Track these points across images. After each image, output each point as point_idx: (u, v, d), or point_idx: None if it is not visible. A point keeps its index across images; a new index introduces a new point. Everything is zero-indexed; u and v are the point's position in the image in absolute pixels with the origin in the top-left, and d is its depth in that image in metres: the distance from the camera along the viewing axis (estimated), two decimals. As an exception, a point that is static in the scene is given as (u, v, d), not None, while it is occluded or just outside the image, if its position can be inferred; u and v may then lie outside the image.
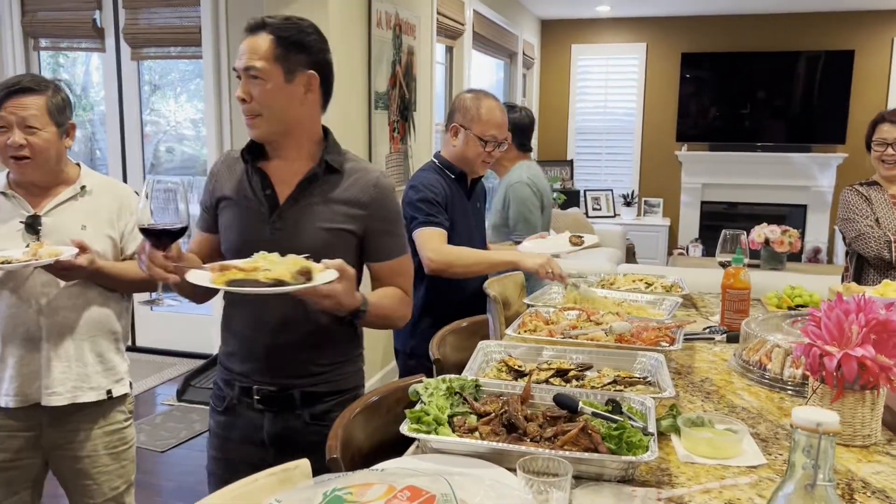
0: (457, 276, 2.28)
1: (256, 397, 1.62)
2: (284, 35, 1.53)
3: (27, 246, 1.81)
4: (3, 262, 1.70)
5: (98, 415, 1.96)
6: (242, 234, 1.61)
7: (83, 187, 1.93)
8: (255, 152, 1.63)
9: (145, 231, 1.45)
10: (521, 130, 3.05)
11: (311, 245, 1.53)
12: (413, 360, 2.39)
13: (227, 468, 1.68)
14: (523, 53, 7.50)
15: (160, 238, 1.44)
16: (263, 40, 1.52)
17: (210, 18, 4.44)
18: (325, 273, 1.41)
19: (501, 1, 6.64)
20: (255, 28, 1.54)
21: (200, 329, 4.87)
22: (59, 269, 1.77)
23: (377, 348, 4.24)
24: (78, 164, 1.98)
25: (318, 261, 1.43)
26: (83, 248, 1.79)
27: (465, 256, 2.29)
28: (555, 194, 7.77)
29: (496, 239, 2.98)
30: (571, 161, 8.40)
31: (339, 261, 1.43)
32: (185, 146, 7.65)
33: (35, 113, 1.80)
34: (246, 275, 1.38)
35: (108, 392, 1.97)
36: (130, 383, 2.06)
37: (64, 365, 1.89)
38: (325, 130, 1.67)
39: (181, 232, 1.46)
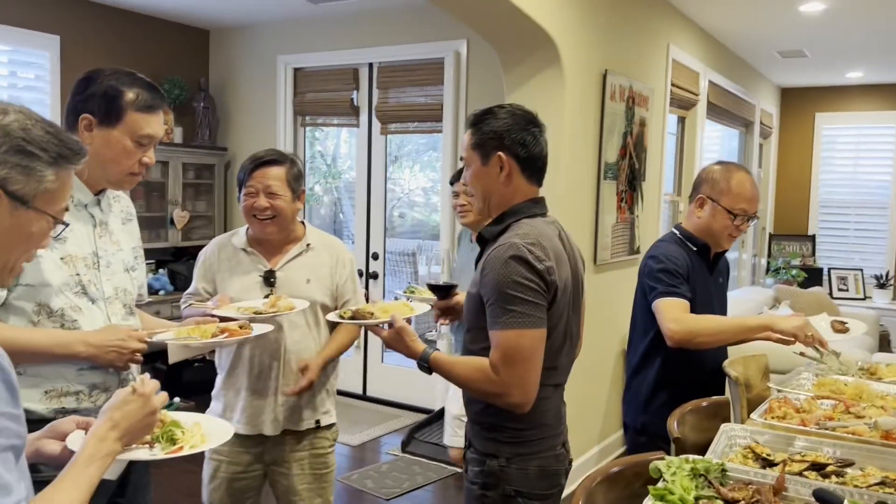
0: (702, 346, 2.17)
1: None
2: (478, 124, 1.74)
3: (266, 297, 2.11)
4: (255, 313, 1.98)
5: (308, 440, 2.24)
6: None
7: (308, 245, 2.23)
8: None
9: (433, 287, 1.93)
10: None
11: (466, 303, 1.76)
12: (644, 436, 2.30)
13: None
14: (760, 122, 7.15)
15: (444, 291, 1.94)
16: (468, 133, 1.77)
17: (452, 96, 4.80)
18: (379, 318, 1.84)
19: (738, 70, 6.42)
20: (466, 125, 1.80)
21: (426, 384, 5.10)
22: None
23: (595, 419, 4.15)
24: (303, 223, 2.28)
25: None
26: (305, 371, 2.14)
27: (710, 324, 2.17)
28: (794, 271, 7.19)
29: None
30: (813, 236, 7.74)
31: (395, 314, 1.77)
32: (415, 212, 8.21)
33: (277, 182, 2.13)
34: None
35: (317, 422, 2.24)
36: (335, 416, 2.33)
37: (284, 399, 2.16)
38: (520, 203, 1.75)
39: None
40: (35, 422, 1.57)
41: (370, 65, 5.21)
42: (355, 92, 5.29)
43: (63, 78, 4.84)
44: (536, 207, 1.77)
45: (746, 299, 5.51)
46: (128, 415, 1.17)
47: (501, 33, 3.55)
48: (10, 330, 1.55)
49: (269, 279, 2.16)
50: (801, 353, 2.42)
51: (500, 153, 1.71)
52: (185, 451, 1.28)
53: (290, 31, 5.46)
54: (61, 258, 1.61)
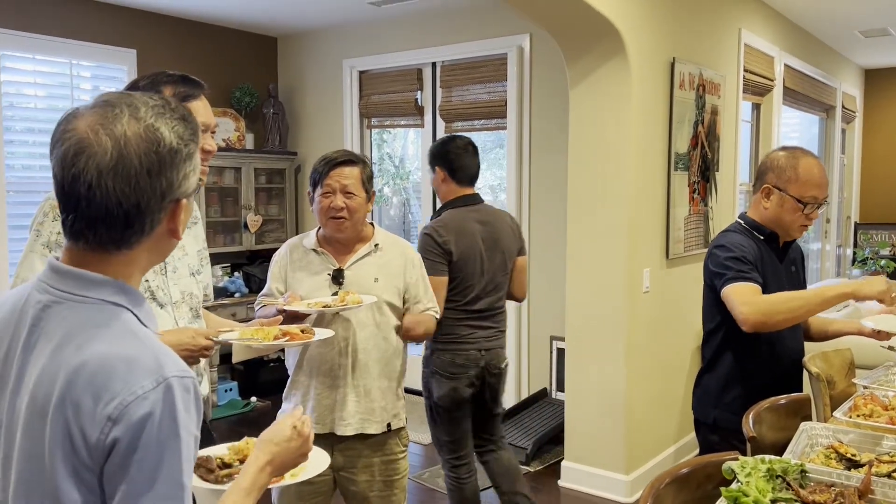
0: (781, 325, 2.03)
1: None
2: (430, 149, 2.91)
3: (335, 293, 2.13)
4: (324, 307, 2.01)
5: (378, 445, 2.21)
6: None
7: (376, 245, 2.23)
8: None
9: None
10: None
11: None
12: (716, 434, 2.21)
13: None
14: (843, 107, 6.82)
15: None
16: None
17: (515, 92, 4.75)
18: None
19: (817, 52, 6.14)
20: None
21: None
22: None
23: (670, 417, 4.04)
24: (371, 224, 2.29)
25: None
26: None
27: (784, 300, 2.02)
28: (883, 261, 6.84)
29: None
30: (903, 224, 7.34)
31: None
32: (483, 210, 8.16)
33: (353, 182, 2.14)
34: None
35: (388, 425, 2.21)
36: (406, 419, 2.30)
37: (355, 399, 2.15)
38: (453, 199, 2.88)
39: None
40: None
41: (433, 64, 5.22)
42: (419, 92, 5.31)
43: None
44: (461, 201, 2.84)
45: (831, 292, 5.24)
46: (286, 451, 1.20)
47: (564, 25, 3.50)
48: None
49: (337, 278, 2.18)
50: (890, 348, 2.28)
51: (437, 167, 2.86)
52: (286, 482, 1.28)
53: (354, 35, 5.53)
54: None
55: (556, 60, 4.38)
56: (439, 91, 5.20)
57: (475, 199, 2.88)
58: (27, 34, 4.53)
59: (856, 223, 7.49)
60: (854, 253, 7.29)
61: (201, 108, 1.70)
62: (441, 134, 5.28)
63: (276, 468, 1.18)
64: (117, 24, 4.96)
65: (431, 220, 2.86)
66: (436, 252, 2.70)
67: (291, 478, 1.28)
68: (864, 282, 2.01)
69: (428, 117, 5.32)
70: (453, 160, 2.82)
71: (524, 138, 4.77)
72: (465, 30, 4.96)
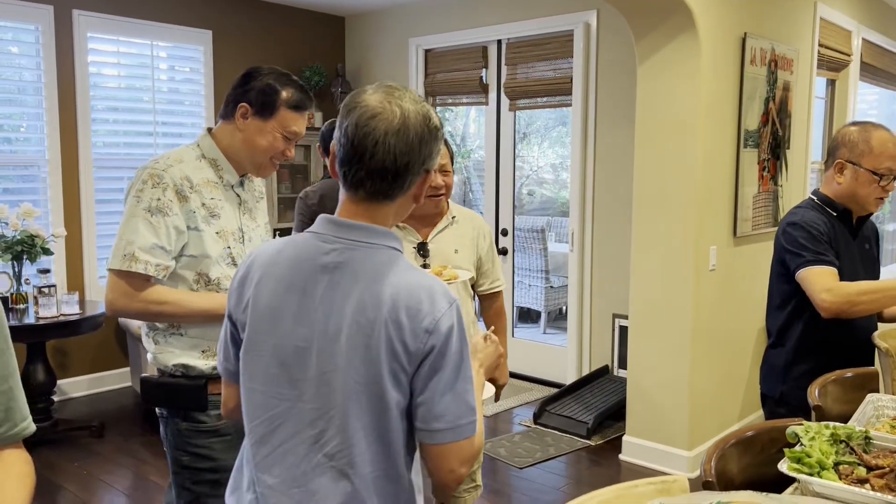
0: (861, 313, 2.05)
1: None
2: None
3: (424, 266, 2.22)
4: None
5: None
6: None
7: (453, 217, 2.34)
8: None
9: None
10: None
11: None
12: (783, 407, 2.23)
13: None
14: (924, 82, 6.53)
15: None
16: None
17: (581, 69, 4.74)
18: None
19: (898, 25, 5.90)
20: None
21: (557, 359, 5.13)
22: None
23: (736, 396, 4.03)
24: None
25: None
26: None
27: (867, 289, 2.04)
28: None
29: None
30: None
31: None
32: (544, 189, 8.18)
33: (447, 160, 2.25)
34: None
35: None
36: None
37: None
38: None
39: None
40: (196, 377, 1.78)
41: (498, 42, 5.24)
42: (484, 70, 5.35)
43: (215, 69, 5.23)
44: None
45: (906, 274, 5.09)
46: (487, 356, 1.46)
47: (632, 1, 3.48)
48: (185, 294, 1.75)
49: (420, 251, 2.29)
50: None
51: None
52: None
53: (420, 13, 5.59)
54: (216, 233, 1.81)
55: (624, 36, 4.35)
56: (504, 69, 5.23)
57: None
58: (112, 16, 4.76)
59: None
60: (933, 235, 7.01)
61: (300, 120, 1.87)
62: (505, 112, 5.32)
63: (486, 369, 1.45)
64: (194, 5, 5.15)
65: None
66: (303, 212, 3.08)
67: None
68: None
69: (492, 95, 5.35)
70: None
71: (589, 116, 4.76)
72: (530, 6, 4.96)
